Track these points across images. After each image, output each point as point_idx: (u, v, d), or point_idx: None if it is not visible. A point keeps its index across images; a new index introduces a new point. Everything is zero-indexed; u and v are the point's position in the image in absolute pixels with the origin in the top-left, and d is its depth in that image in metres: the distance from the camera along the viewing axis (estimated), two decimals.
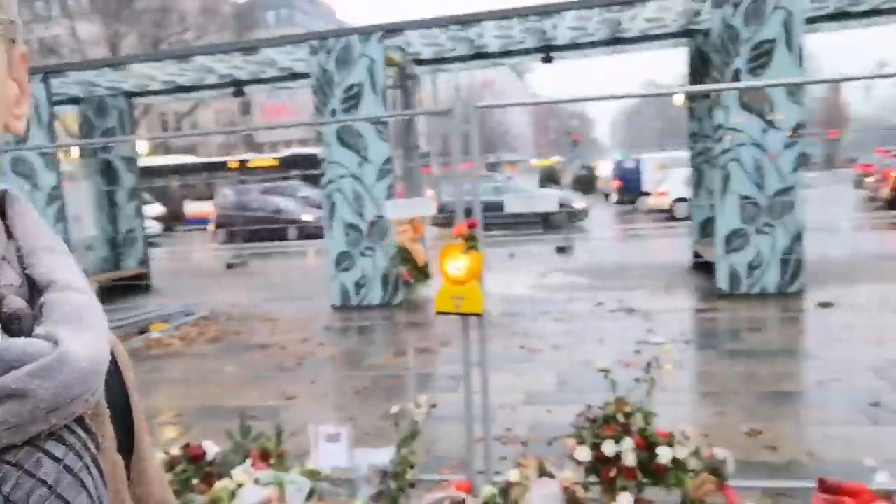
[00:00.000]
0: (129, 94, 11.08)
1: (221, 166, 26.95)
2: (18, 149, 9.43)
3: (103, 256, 11.35)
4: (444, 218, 11.91)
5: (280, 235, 18.82)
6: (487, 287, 2.91)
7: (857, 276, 8.11)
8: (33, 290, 0.51)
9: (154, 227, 21.26)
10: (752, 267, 7.63)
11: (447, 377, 5.37)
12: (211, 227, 20.48)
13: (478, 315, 2.92)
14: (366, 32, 8.49)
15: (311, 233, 18.87)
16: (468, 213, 3.06)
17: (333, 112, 8.56)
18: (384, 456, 3.04)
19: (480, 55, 10.43)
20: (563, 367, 5.30)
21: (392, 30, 8.53)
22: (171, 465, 3.26)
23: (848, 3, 8.69)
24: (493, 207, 4.98)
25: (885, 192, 17.00)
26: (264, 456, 3.21)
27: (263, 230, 18.22)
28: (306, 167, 21.56)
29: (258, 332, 7.65)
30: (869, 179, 19.29)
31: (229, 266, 13.89)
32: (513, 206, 2.78)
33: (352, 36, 8.51)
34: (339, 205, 8.59)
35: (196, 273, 13.47)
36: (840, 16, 9.21)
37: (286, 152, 29.10)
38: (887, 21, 9.56)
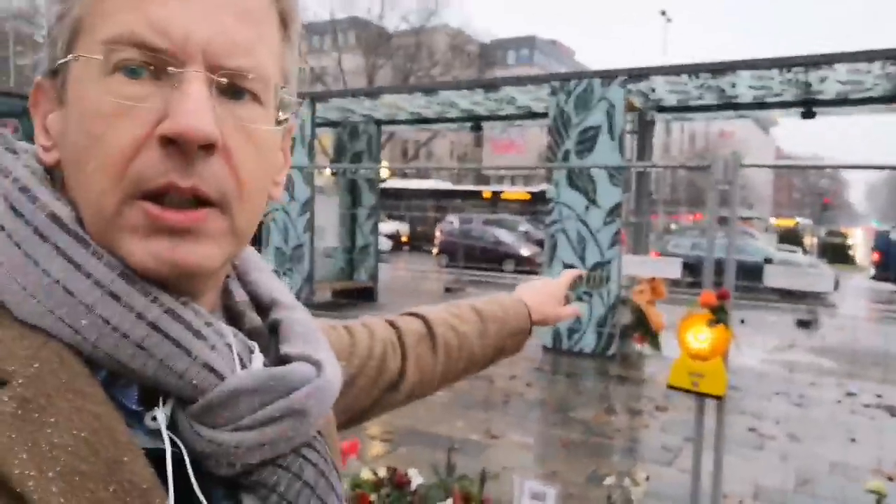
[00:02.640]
0: (379, 122, 12.03)
1: (475, 195, 28.11)
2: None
3: (341, 266, 12.38)
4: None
5: (497, 266, 19.20)
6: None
7: None
8: (258, 307, 0.58)
9: (385, 245, 22.89)
10: None
11: (661, 448, 4.97)
12: (434, 251, 21.52)
13: (717, 398, 2.61)
14: (608, 76, 8.35)
15: (526, 268, 19.05)
16: (692, 270, 2.77)
17: (567, 153, 8.51)
18: None
19: (729, 105, 9.79)
20: (802, 462, 4.64)
21: (637, 75, 8.30)
22: (376, 485, 3.34)
23: None
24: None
25: None
26: (466, 499, 3.16)
27: (482, 259, 18.72)
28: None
29: None
30: None
31: (447, 290, 14.41)
32: (775, 279, 2.45)
33: (594, 79, 8.43)
34: (560, 245, 8.49)
35: (417, 292, 14.15)
36: None
37: (540, 187, 29.69)
38: None
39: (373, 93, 10.63)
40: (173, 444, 0.46)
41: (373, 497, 3.29)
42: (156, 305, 0.46)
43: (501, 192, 28.06)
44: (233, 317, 0.56)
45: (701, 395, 2.65)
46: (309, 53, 46.08)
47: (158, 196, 0.46)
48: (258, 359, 0.52)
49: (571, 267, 8.57)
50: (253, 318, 0.56)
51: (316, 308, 10.53)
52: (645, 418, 5.83)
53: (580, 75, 8.74)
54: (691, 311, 2.65)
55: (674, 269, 2.76)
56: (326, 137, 14.75)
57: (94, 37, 0.46)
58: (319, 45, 48.74)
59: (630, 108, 9.36)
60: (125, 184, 0.46)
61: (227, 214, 0.49)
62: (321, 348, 0.56)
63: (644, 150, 10.24)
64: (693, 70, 8.10)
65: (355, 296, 11.82)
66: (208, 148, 0.47)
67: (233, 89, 0.49)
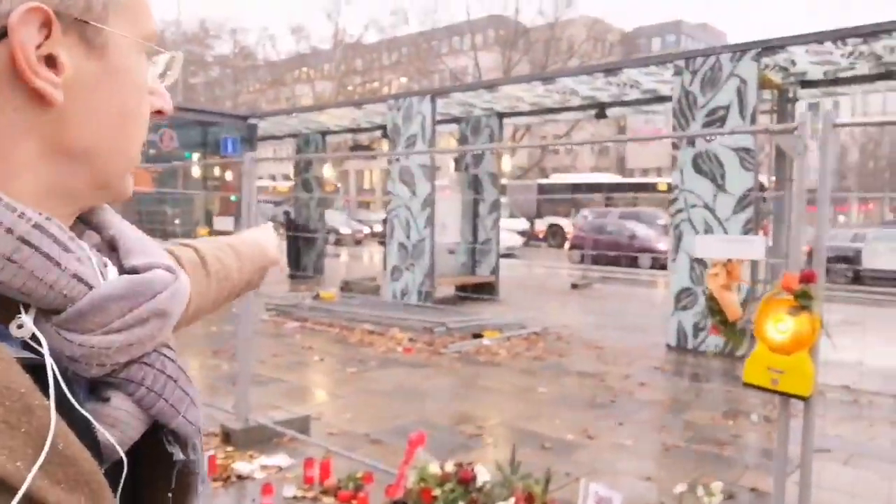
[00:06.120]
0: (501, 115, 11.88)
1: (647, 188, 26.47)
2: (410, 153, 10.77)
3: (462, 261, 12.38)
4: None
5: (631, 262, 18.39)
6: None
7: None
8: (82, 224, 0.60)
9: (514, 241, 22.68)
10: None
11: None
12: (566, 246, 21.04)
13: (802, 398, 2.23)
14: (739, 50, 7.64)
15: (664, 263, 18.06)
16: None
17: (691, 139, 7.91)
18: None
19: (890, 75, 8.64)
20: None
21: (771, 46, 7.53)
22: (441, 480, 3.22)
23: None
24: None
25: None
26: (529, 499, 2.96)
27: (616, 254, 18.02)
28: None
29: (582, 357, 7.43)
30: None
31: (573, 286, 13.99)
32: (874, 259, 2.04)
33: (722, 54, 7.75)
34: (686, 236, 7.91)
35: (541, 289, 13.86)
36: None
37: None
38: None
39: (489, 85, 10.51)
40: (39, 351, 0.48)
41: (436, 492, 3.17)
42: (23, 221, 0.48)
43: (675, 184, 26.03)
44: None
45: (781, 395, 2.27)
46: (448, 55, 46.80)
47: None
48: (113, 270, 0.55)
49: (700, 261, 7.97)
50: (91, 235, 0.59)
51: (436, 303, 10.59)
52: (771, 425, 5.25)
53: (706, 52, 8.08)
54: (771, 296, 2.29)
55: (754, 250, 2.39)
56: (452, 135, 14.83)
57: (136, 28, 0.57)
58: (459, 45, 49.38)
59: (766, 84, 8.55)
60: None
61: None
62: (164, 257, 0.58)
63: None
64: (838, 36, 7.22)
65: (476, 291, 11.76)
66: None
67: None
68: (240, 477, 3.83)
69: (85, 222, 0.61)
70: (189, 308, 0.83)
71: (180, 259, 0.90)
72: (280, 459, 4.05)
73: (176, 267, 0.58)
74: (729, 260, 2.38)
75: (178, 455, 0.57)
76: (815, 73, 8.66)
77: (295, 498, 3.58)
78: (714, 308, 2.39)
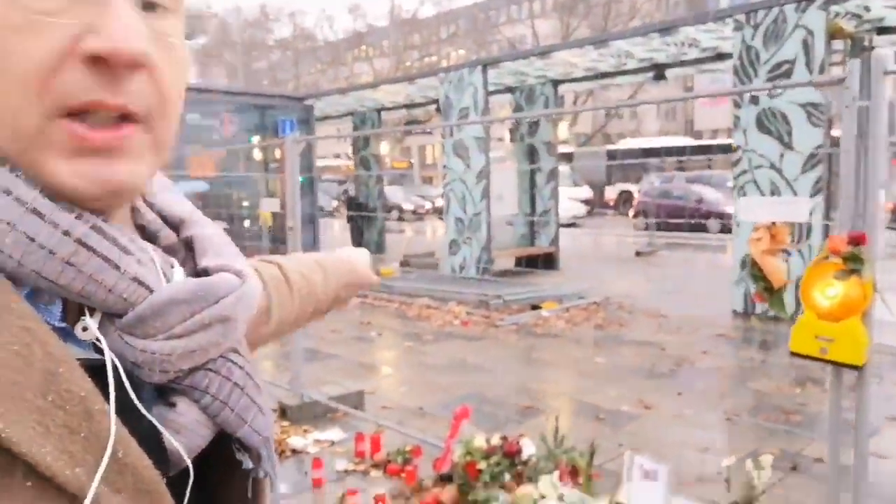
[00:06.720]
0: (556, 82, 11.61)
1: (724, 149, 25.35)
2: (462, 123, 10.68)
3: (522, 233, 12.26)
4: None
5: (699, 227, 17.79)
6: None
7: None
8: (168, 226, 0.58)
9: (577, 210, 22.28)
10: None
11: (851, 427, 4.22)
12: (631, 213, 20.54)
13: (855, 368, 2.09)
14: None
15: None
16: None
17: (754, 96, 7.52)
18: None
19: None
20: None
21: None
22: (487, 454, 3.22)
23: None
24: None
25: None
26: (574, 472, 2.92)
27: (683, 220, 17.46)
28: None
29: (643, 326, 7.26)
30: None
31: (638, 253, 13.67)
32: None
33: (787, 5, 7.30)
34: (750, 198, 7.57)
35: (605, 257, 13.61)
36: None
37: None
38: None
39: (541, 52, 10.26)
40: (104, 353, 0.47)
41: (481, 465, 3.17)
42: (81, 222, 0.46)
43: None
44: (147, 236, 0.57)
45: (831, 364, 2.14)
46: (505, 24, 46.04)
47: (81, 113, 0.46)
48: (179, 272, 0.53)
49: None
50: (168, 235, 0.57)
51: (494, 276, 10.55)
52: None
53: (770, 3, 7.63)
54: (819, 260, 2.15)
55: (798, 212, 2.25)
56: (509, 106, 14.61)
57: None
58: (517, 14, 48.47)
59: (837, 34, 8.01)
60: (46, 101, 0.44)
61: (151, 130, 0.50)
62: (237, 259, 0.57)
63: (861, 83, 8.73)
64: None
65: (535, 263, 11.63)
66: (135, 65, 0.46)
67: (147, 1, 0.48)
68: (294, 451, 3.93)
69: (165, 221, 0.59)
70: (272, 322, 0.86)
71: (262, 275, 0.88)
72: (333, 434, 4.13)
73: (246, 271, 0.55)
74: (773, 223, 2.24)
75: (248, 463, 0.56)
76: (893, 19, 8.06)
77: (346, 471, 3.65)
78: (757, 275, 2.26)
